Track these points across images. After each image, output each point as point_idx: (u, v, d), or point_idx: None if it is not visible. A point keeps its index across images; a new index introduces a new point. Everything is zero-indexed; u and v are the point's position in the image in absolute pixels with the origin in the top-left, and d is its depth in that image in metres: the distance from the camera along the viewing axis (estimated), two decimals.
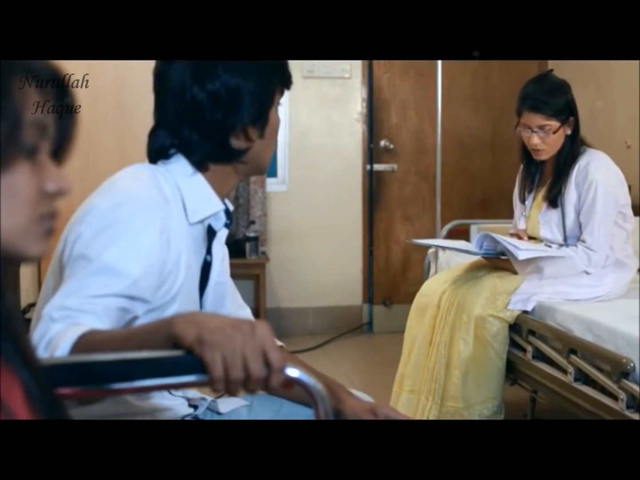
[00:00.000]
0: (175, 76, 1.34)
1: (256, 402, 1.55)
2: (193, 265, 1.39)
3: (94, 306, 1.18)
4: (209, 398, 1.53)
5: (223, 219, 1.42)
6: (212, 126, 1.36)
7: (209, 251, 1.43)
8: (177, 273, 1.34)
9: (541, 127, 2.73)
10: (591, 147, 2.82)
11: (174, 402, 1.45)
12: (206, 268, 1.44)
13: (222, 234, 1.49)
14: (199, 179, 1.39)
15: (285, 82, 1.41)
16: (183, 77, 1.33)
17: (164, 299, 1.32)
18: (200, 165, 1.39)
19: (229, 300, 1.54)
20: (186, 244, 1.36)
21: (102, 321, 1.18)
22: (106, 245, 1.23)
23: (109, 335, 1.11)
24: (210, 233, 1.42)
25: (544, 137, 2.74)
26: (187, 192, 1.37)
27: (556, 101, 2.73)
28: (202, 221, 1.40)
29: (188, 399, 1.49)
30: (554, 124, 2.72)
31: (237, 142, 1.38)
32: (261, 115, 1.37)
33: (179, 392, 1.47)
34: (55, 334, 1.12)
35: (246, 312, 1.59)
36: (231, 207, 1.51)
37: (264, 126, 1.38)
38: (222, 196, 1.42)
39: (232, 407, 1.53)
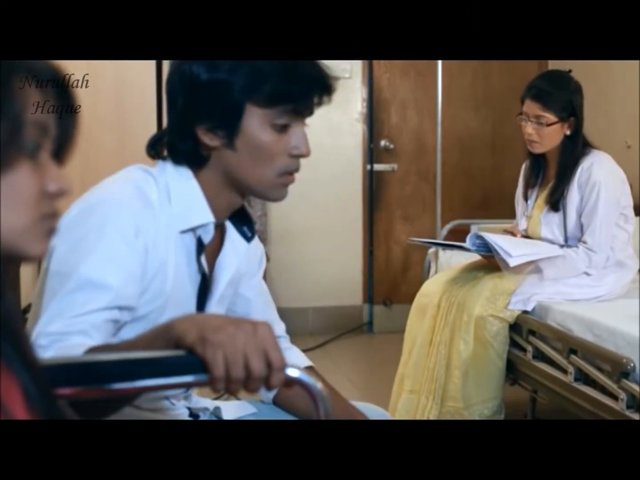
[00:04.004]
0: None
1: (264, 411, 1.53)
2: (185, 275, 1.33)
3: (80, 325, 1.16)
4: (211, 406, 1.50)
5: (211, 232, 1.33)
6: (174, 121, 1.33)
7: (200, 263, 1.34)
8: (164, 280, 1.29)
9: (537, 117, 2.74)
10: (595, 148, 2.82)
11: (174, 412, 1.42)
12: (204, 280, 1.36)
13: (241, 246, 1.43)
14: (192, 186, 1.32)
15: (264, 97, 1.26)
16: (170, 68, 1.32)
17: (150, 306, 1.28)
18: (178, 163, 1.33)
19: (255, 317, 1.46)
20: (174, 251, 1.30)
21: (92, 338, 1.16)
22: (80, 258, 1.19)
23: (109, 351, 1.09)
24: (199, 245, 1.33)
25: (538, 129, 2.74)
26: (176, 198, 1.31)
27: (558, 95, 2.73)
28: (193, 230, 1.32)
29: (189, 408, 1.46)
30: (550, 117, 2.72)
31: (196, 144, 1.30)
32: (216, 122, 1.27)
33: (181, 401, 1.45)
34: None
35: (278, 328, 1.57)
36: (254, 220, 1.47)
37: (231, 136, 1.28)
38: (217, 210, 1.34)
39: (238, 415, 1.50)
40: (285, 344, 1.59)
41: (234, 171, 1.32)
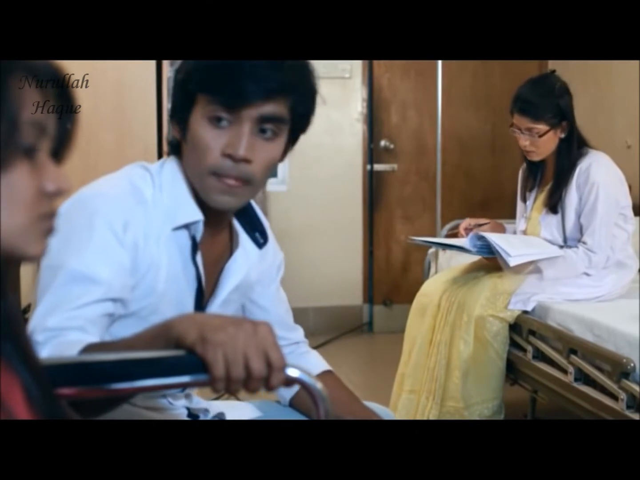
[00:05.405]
0: None
1: (270, 413, 1.52)
2: (179, 275, 1.31)
3: (76, 321, 1.16)
4: (215, 409, 1.49)
5: (200, 230, 1.30)
6: None
7: (196, 263, 1.32)
8: (156, 278, 1.27)
9: (529, 130, 2.73)
10: (593, 149, 2.81)
11: (172, 412, 1.41)
12: (201, 282, 1.33)
13: (252, 252, 1.41)
14: (179, 182, 1.31)
15: (215, 90, 1.23)
16: None
17: (141, 303, 1.26)
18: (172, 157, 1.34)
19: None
20: (167, 249, 1.29)
21: (88, 333, 1.16)
22: (70, 251, 1.19)
23: (107, 348, 1.08)
24: (193, 244, 1.31)
25: (532, 140, 2.74)
26: (168, 195, 1.30)
27: (545, 105, 2.71)
28: (187, 228, 1.30)
29: (188, 408, 1.45)
30: (542, 127, 2.72)
31: (172, 136, 1.33)
32: (175, 112, 1.30)
33: (180, 401, 1.44)
34: (48, 356, 1.09)
35: (297, 334, 1.57)
36: (266, 223, 1.45)
37: (183, 129, 1.28)
38: (208, 208, 1.30)
39: (242, 418, 1.47)
40: (304, 348, 1.58)
41: (186, 162, 1.31)
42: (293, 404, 1.53)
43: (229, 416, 1.49)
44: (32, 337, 1.12)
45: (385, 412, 1.56)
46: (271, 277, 1.52)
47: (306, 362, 1.52)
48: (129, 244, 1.24)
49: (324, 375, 1.52)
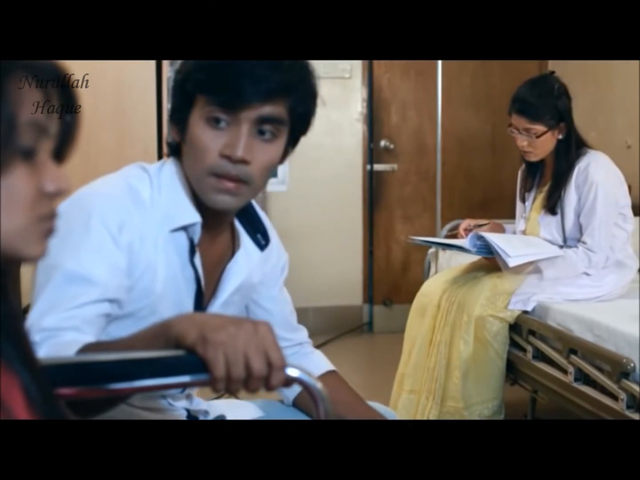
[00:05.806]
0: None
1: (272, 414, 1.51)
2: (178, 276, 1.30)
3: (73, 321, 1.15)
4: (216, 410, 1.49)
5: (198, 233, 1.29)
6: None
7: (194, 265, 1.31)
8: (152, 279, 1.26)
9: (527, 130, 2.74)
10: (591, 149, 2.81)
11: (171, 413, 1.41)
12: (200, 284, 1.32)
13: (254, 254, 1.40)
14: (176, 184, 1.30)
15: (213, 91, 1.22)
16: None
17: (138, 304, 1.26)
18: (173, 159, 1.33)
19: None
20: (165, 251, 1.28)
21: (85, 333, 1.15)
22: (65, 251, 1.18)
23: (106, 348, 1.08)
24: (191, 246, 1.30)
25: (529, 140, 2.74)
26: (166, 196, 1.29)
27: (543, 106, 2.72)
28: (185, 230, 1.29)
29: (188, 410, 1.44)
30: (539, 128, 2.72)
31: (171, 138, 1.33)
32: (174, 113, 1.29)
33: (180, 402, 1.43)
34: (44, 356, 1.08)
35: (301, 335, 1.56)
36: (268, 225, 1.44)
37: (183, 130, 1.27)
38: (207, 210, 1.28)
39: (245, 418, 1.47)
40: (308, 348, 1.58)
41: (185, 163, 1.30)
42: (296, 403, 1.53)
43: (231, 416, 1.48)
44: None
45: (387, 412, 1.56)
46: (275, 279, 1.51)
47: (310, 362, 1.52)
48: (124, 245, 1.23)
49: (327, 376, 1.52)
